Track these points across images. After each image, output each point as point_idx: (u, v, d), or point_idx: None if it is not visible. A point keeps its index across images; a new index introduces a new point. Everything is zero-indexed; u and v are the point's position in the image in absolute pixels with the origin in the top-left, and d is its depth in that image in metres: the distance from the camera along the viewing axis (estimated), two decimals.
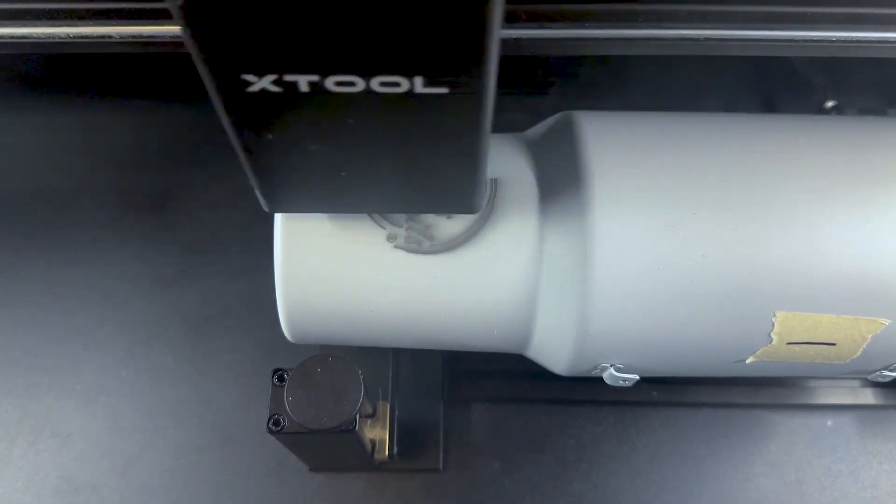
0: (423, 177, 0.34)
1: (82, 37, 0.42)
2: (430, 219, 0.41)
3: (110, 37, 0.42)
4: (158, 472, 0.53)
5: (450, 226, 0.41)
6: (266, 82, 0.26)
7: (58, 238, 0.61)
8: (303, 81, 0.26)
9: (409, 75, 0.26)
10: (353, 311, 0.43)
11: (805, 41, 0.43)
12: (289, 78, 0.26)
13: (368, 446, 0.48)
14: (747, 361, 0.43)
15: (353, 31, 0.24)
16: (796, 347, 0.42)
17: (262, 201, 0.37)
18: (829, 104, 0.57)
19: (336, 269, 0.41)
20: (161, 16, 0.42)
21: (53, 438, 0.54)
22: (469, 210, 0.38)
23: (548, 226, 0.41)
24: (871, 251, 0.39)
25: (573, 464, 0.53)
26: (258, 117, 0.29)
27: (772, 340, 0.41)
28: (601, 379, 0.46)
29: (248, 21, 0.24)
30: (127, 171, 0.65)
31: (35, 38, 0.42)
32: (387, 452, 0.50)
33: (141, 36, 0.43)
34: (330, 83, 0.26)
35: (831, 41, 0.43)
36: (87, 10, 0.42)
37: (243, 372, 0.56)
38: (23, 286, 0.60)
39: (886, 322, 0.40)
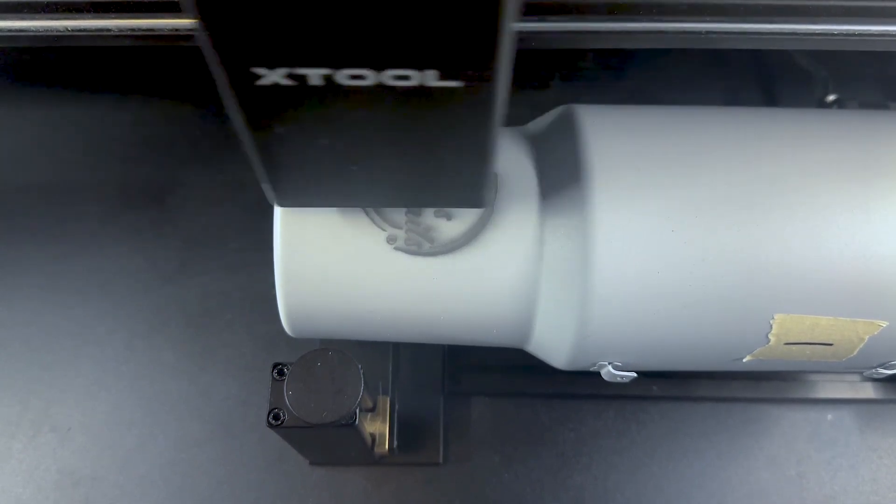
0: (432, 171, 0.34)
1: (80, 30, 0.42)
2: (431, 221, 0.41)
3: (108, 30, 0.42)
4: (158, 465, 0.53)
5: (450, 228, 0.41)
6: (278, 76, 0.26)
7: (57, 233, 0.61)
8: (314, 75, 0.26)
9: (422, 68, 0.26)
10: (353, 309, 0.43)
11: (806, 34, 0.43)
12: (300, 71, 0.26)
13: (368, 440, 0.48)
14: (744, 360, 0.43)
15: (365, 24, 0.24)
16: (793, 347, 0.42)
17: (269, 195, 0.37)
18: (831, 98, 0.57)
19: (336, 270, 0.41)
20: (160, 9, 0.42)
21: (53, 432, 0.54)
22: (477, 204, 0.37)
23: (548, 228, 0.41)
24: (871, 253, 0.39)
25: (573, 457, 0.53)
26: (269, 111, 0.28)
27: (769, 341, 0.41)
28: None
29: (262, 13, 0.23)
30: (126, 166, 0.65)
31: (33, 31, 0.42)
32: (387, 446, 0.50)
33: (139, 29, 0.42)
34: (342, 77, 0.26)
35: (833, 34, 0.43)
36: (86, 3, 0.41)
37: (243, 366, 0.56)
38: (22, 281, 0.59)
39: (884, 324, 0.40)
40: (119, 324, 0.58)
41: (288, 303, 0.42)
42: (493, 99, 0.28)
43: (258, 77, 0.26)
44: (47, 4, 0.42)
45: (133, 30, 0.42)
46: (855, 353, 0.43)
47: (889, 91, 0.61)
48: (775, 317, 0.40)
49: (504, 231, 0.41)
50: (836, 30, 0.43)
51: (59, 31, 0.42)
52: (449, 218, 0.41)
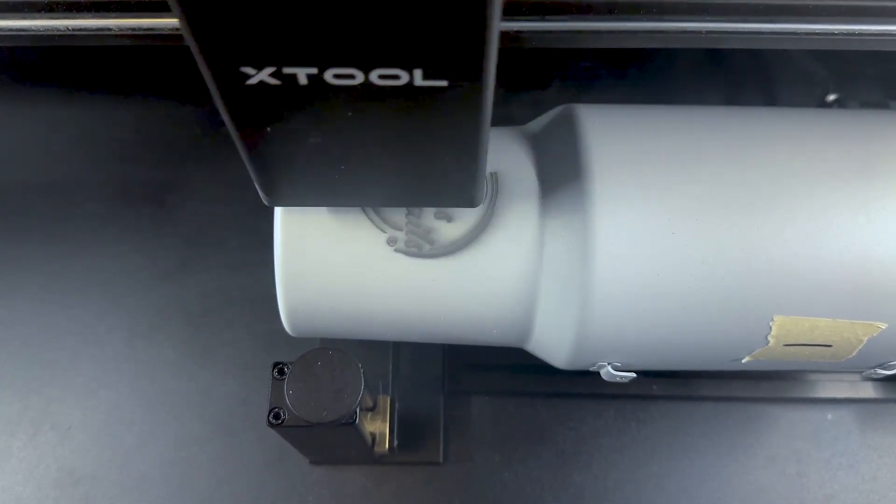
0: (422, 170, 0.34)
1: (81, 29, 0.42)
2: (431, 222, 0.41)
3: (109, 29, 0.42)
4: (158, 464, 0.53)
5: (450, 229, 0.41)
6: (264, 75, 0.26)
7: (57, 231, 0.61)
8: (301, 74, 0.26)
9: (409, 68, 0.26)
10: (353, 309, 0.43)
11: (806, 34, 0.43)
12: (287, 70, 0.26)
13: (369, 439, 0.48)
14: (743, 361, 0.43)
15: (352, 23, 0.24)
16: (792, 349, 0.42)
17: (261, 195, 0.37)
18: (831, 97, 0.57)
19: (336, 271, 0.41)
20: (160, 8, 0.42)
21: (54, 431, 0.54)
22: (469, 203, 0.37)
23: (548, 229, 0.41)
24: (871, 255, 0.39)
25: (573, 456, 0.53)
26: (257, 110, 0.29)
27: (769, 342, 0.41)
28: None
29: (247, 12, 0.23)
30: (126, 165, 0.65)
31: (33, 30, 0.42)
32: (387, 445, 0.50)
33: (140, 28, 0.42)
34: (329, 76, 0.26)
35: (833, 34, 0.43)
36: (86, 3, 0.41)
37: (243, 365, 0.56)
38: (22, 279, 0.60)
39: (883, 326, 0.40)
40: (119, 322, 0.58)
41: (288, 302, 0.42)
42: (480, 98, 0.28)
43: (246, 77, 0.26)
44: (48, 4, 0.42)
45: (133, 29, 0.42)
46: (854, 354, 0.43)
47: (889, 90, 0.61)
48: (775, 318, 0.40)
49: (504, 232, 0.41)
50: (836, 29, 0.43)
51: (60, 31, 0.42)
52: (449, 220, 0.41)
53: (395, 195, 0.38)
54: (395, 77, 0.26)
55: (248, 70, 0.26)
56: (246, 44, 0.25)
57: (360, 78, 0.26)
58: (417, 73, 0.26)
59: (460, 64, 0.26)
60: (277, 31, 0.24)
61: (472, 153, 0.32)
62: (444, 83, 0.27)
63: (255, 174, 0.34)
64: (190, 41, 0.25)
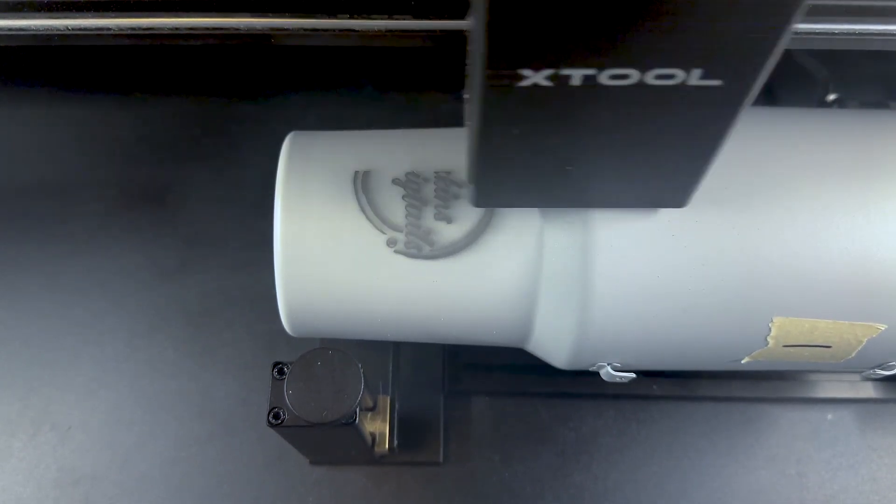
0: (648, 171, 0.33)
1: (80, 29, 0.42)
2: (431, 224, 0.41)
3: (109, 29, 0.42)
4: (158, 464, 0.53)
5: (450, 231, 0.41)
6: (541, 77, 0.25)
7: (57, 231, 0.61)
8: (578, 75, 0.25)
9: (690, 68, 0.25)
10: (353, 310, 0.43)
11: (806, 34, 0.43)
12: (565, 72, 0.25)
13: (369, 439, 0.48)
14: (743, 361, 0.43)
15: (647, 24, 0.23)
16: (792, 349, 0.42)
17: (471, 195, 0.36)
18: (831, 98, 0.57)
19: (336, 271, 0.41)
20: (160, 8, 0.42)
21: (53, 431, 0.54)
22: (678, 204, 0.36)
23: (548, 231, 0.41)
24: (871, 256, 0.39)
25: (573, 456, 0.53)
26: (516, 112, 0.28)
27: (768, 344, 0.41)
28: None
29: (548, 15, 0.23)
30: (127, 165, 0.65)
31: (33, 30, 0.42)
32: (387, 445, 0.50)
33: (140, 28, 0.42)
34: (604, 77, 0.25)
35: (833, 34, 0.43)
36: (86, 2, 0.41)
37: (243, 365, 0.56)
38: (22, 279, 0.59)
39: (883, 327, 0.40)
40: (119, 322, 0.58)
41: (288, 302, 0.42)
42: (744, 98, 0.27)
43: (522, 78, 0.25)
44: (47, 3, 0.42)
45: (133, 29, 0.42)
46: (853, 355, 0.43)
47: (890, 91, 0.61)
48: (774, 320, 0.40)
49: (504, 233, 0.41)
50: (836, 29, 0.43)
51: (60, 31, 0.42)
52: (449, 221, 0.41)
53: (608, 196, 0.37)
54: (671, 77, 0.26)
55: (527, 72, 0.25)
56: (539, 46, 0.24)
57: (634, 78, 0.26)
58: (695, 73, 0.25)
59: (743, 64, 0.25)
60: (575, 32, 0.23)
61: (707, 153, 0.31)
62: (717, 83, 0.26)
63: (476, 174, 0.33)
64: (479, 41, 0.24)
